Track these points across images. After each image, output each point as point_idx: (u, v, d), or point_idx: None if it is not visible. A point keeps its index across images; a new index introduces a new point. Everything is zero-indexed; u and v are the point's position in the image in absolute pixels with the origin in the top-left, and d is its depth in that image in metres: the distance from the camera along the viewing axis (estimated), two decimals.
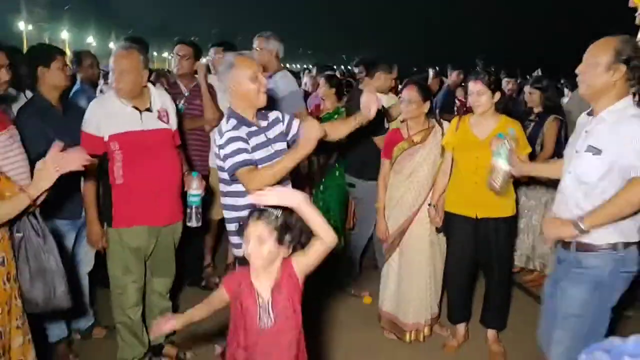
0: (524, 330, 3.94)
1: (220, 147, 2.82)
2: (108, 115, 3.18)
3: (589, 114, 2.72)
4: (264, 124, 2.98)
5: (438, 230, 3.88)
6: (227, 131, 2.83)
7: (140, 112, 3.24)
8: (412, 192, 3.85)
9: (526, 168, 3.18)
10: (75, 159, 2.43)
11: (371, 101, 3.03)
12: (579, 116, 2.88)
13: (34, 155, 3.41)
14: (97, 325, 3.96)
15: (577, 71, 2.65)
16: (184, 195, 3.36)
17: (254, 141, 2.86)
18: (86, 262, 3.79)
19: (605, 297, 2.60)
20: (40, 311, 2.66)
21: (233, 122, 2.87)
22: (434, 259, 3.93)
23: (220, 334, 3.90)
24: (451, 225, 3.78)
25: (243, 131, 2.84)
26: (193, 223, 3.27)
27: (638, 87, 2.67)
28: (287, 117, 3.14)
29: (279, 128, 3.07)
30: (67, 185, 3.39)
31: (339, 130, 3.19)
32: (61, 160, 2.39)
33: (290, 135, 3.11)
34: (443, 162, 3.81)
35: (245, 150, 2.78)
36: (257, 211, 2.19)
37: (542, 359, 3.07)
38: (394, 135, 3.98)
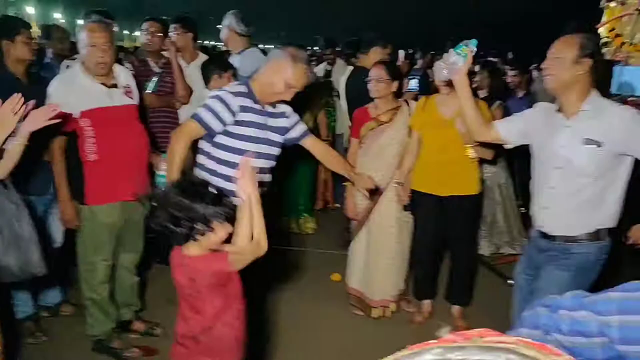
0: (489, 306, 4.06)
1: (208, 96, 2.92)
2: (78, 92, 3.14)
3: (558, 110, 2.76)
4: (270, 109, 2.99)
5: (405, 208, 3.95)
6: (225, 91, 2.91)
7: (108, 88, 3.23)
8: (379, 170, 3.90)
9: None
10: (40, 116, 2.50)
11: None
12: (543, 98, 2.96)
13: None
14: (64, 302, 3.96)
15: (542, 66, 2.75)
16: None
17: (249, 117, 2.88)
18: (55, 238, 3.76)
19: (585, 280, 2.72)
20: (16, 279, 2.67)
21: (242, 88, 2.91)
22: (401, 237, 4.00)
23: None
24: (417, 203, 3.85)
25: (241, 102, 2.86)
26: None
27: (596, 81, 2.74)
28: (294, 117, 3.16)
29: (283, 122, 3.09)
30: (33, 161, 3.40)
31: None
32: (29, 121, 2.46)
33: (290, 135, 3.14)
34: (411, 142, 3.86)
35: (216, 115, 2.81)
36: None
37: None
38: (361, 115, 4.01)
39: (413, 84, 5.18)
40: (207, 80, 3.97)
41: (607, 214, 2.69)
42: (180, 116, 4.54)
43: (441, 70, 2.89)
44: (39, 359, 3.42)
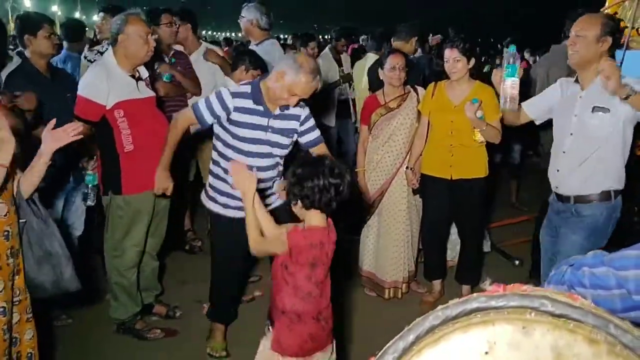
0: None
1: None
2: (112, 83, 3.22)
3: (576, 82, 3.02)
4: (277, 111, 3.01)
5: (415, 192, 4.06)
6: (229, 90, 2.99)
7: (136, 80, 3.33)
8: (390, 156, 4.02)
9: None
10: (64, 134, 2.48)
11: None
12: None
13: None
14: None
15: (567, 43, 2.99)
16: None
17: (244, 118, 2.95)
18: (76, 226, 3.87)
19: (599, 241, 2.94)
20: (49, 295, 2.67)
21: (245, 89, 2.98)
22: (411, 220, 4.13)
23: (207, 293, 4.06)
24: (427, 186, 3.96)
25: (238, 102, 2.93)
26: (88, 202, 3.54)
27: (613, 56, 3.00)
28: (309, 123, 3.17)
29: (292, 124, 3.09)
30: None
31: None
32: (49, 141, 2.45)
33: (302, 140, 3.17)
34: (419, 127, 3.97)
35: (210, 109, 2.94)
36: None
37: None
38: (371, 102, 4.11)
39: None
40: (234, 67, 4.04)
41: (615, 176, 2.93)
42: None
43: (505, 104, 2.99)
44: (67, 342, 3.54)
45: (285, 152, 3.15)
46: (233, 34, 31.90)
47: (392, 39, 5.07)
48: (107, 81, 3.20)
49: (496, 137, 3.62)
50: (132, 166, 3.31)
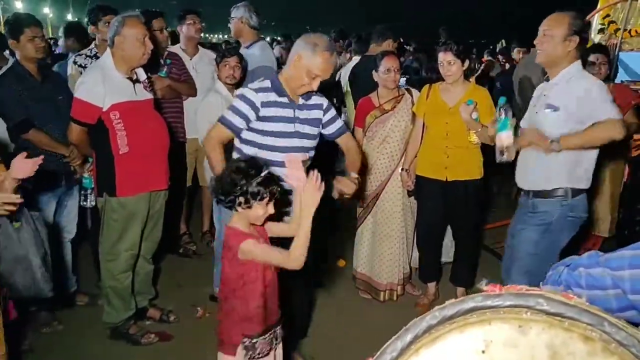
0: None
1: (235, 96, 2.96)
2: (109, 85, 3.20)
3: (547, 80, 3.09)
4: (300, 101, 2.95)
5: (410, 193, 4.06)
6: (250, 88, 2.90)
7: (133, 82, 3.32)
8: (384, 158, 4.02)
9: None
10: (28, 167, 2.46)
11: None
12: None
13: (10, 123, 3.48)
14: (79, 292, 4.04)
15: (535, 42, 3.04)
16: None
17: (274, 111, 2.86)
18: (69, 230, 3.85)
19: (554, 238, 3.01)
20: (25, 297, 2.71)
21: (266, 84, 2.91)
22: (406, 222, 4.12)
23: (201, 297, 4.05)
24: (422, 188, 3.96)
25: (266, 97, 2.86)
26: (88, 204, 3.55)
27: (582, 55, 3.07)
28: (331, 112, 3.09)
29: (316, 114, 3.02)
30: (45, 154, 3.47)
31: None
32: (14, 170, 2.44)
33: (327, 131, 3.10)
34: (414, 129, 3.97)
35: (239, 113, 2.85)
36: None
37: None
38: (365, 104, 4.11)
39: (402, 81, 5.31)
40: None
41: (572, 175, 2.95)
42: (185, 108, 4.66)
43: (502, 157, 3.02)
44: (57, 348, 3.51)
45: (314, 143, 3.06)
46: (223, 36, 31.88)
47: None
48: (103, 83, 3.19)
49: (491, 139, 3.62)
50: (127, 168, 3.29)
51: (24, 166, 2.44)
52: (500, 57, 9.22)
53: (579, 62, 2.98)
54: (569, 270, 1.26)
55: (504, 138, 2.97)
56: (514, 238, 3.18)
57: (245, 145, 2.94)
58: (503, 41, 12.22)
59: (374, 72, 4.00)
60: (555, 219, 2.99)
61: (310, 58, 2.78)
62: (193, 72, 4.72)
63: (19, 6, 39.63)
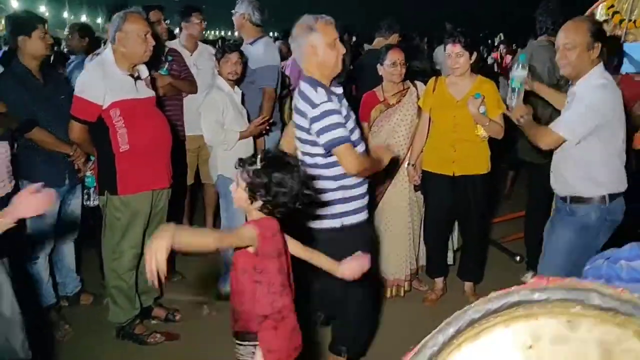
0: (500, 281, 4.12)
1: (314, 119, 2.66)
2: (109, 82, 3.16)
3: (572, 84, 3.00)
4: (339, 91, 2.85)
5: (416, 188, 4.02)
6: (323, 103, 2.66)
7: (135, 79, 3.27)
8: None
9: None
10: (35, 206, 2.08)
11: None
12: None
13: (14, 123, 3.42)
14: (83, 292, 4.00)
15: (558, 57, 2.89)
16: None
17: (344, 110, 2.77)
18: (72, 229, 3.81)
19: (590, 240, 2.90)
20: None
21: (323, 92, 2.70)
22: (413, 217, 4.08)
23: (207, 295, 4.01)
24: (429, 183, 3.91)
25: (333, 99, 2.72)
26: (92, 203, 3.50)
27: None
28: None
29: (345, 102, 2.91)
30: (48, 153, 3.44)
31: None
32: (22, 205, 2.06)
33: None
34: (420, 123, 3.92)
35: (342, 125, 2.67)
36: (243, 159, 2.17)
37: None
38: (369, 98, 4.06)
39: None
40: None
41: (601, 180, 2.87)
42: (185, 105, 4.61)
43: (512, 103, 3.11)
44: (62, 348, 3.47)
45: None
46: (225, 33, 31.76)
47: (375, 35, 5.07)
48: (104, 80, 3.14)
49: (499, 133, 3.59)
50: (128, 166, 3.25)
51: (33, 202, 2.04)
52: (501, 47, 9.25)
53: (600, 66, 2.86)
54: (609, 263, 1.22)
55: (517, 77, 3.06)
56: (549, 238, 3.11)
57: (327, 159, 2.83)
58: (501, 35, 12.29)
59: (378, 65, 3.95)
60: (593, 221, 2.90)
61: (317, 36, 2.69)
62: (193, 69, 4.67)
63: (15, 5, 39.47)
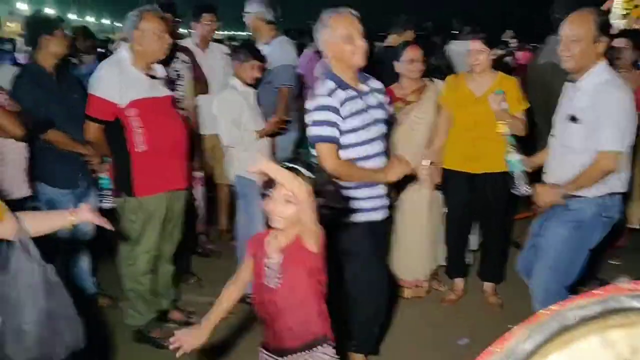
0: (520, 282, 4.07)
1: (308, 110, 2.74)
2: (126, 81, 3.11)
3: (569, 80, 2.88)
4: (365, 88, 2.83)
5: (436, 187, 3.95)
6: (320, 96, 2.72)
7: (151, 79, 3.22)
8: (409, 150, 3.89)
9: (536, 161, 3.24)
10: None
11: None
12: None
13: (30, 124, 3.38)
14: (100, 295, 3.95)
15: (561, 49, 2.76)
16: None
17: (349, 108, 2.74)
18: (87, 232, 3.75)
19: (585, 237, 2.85)
20: None
21: (329, 85, 2.73)
22: (432, 216, 4.01)
23: None
24: (449, 181, 3.86)
25: (338, 98, 2.71)
26: (107, 205, 3.38)
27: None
28: (387, 96, 2.99)
29: (381, 97, 2.92)
30: (64, 154, 3.39)
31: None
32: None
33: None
34: (439, 120, 3.86)
35: (332, 124, 2.69)
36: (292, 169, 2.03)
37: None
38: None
39: None
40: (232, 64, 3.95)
41: (606, 182, 2.75)
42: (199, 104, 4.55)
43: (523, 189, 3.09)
44: (78, 351, 3.42)
45: (386, 128, 2.96)
46: (235, 31, 31.71)
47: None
48: (120, 79, 3.09)
49: (521, 129, 3.53)
50: (145, 167, 3.19)
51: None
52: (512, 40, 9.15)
53: (605, 62, 2.75)
54: None
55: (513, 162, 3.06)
56: (540, 234, 3.04)
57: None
58: (510, 32, 12.11)
59: (395, 62, 3.89)
60: (589, 217, 2.81)
61: (330, 31, 2.70)
62: (205, 68, 4.61)
63: (23, 7, 39.50)
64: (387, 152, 2.97)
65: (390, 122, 3.04)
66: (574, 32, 2.69)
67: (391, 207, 3.11)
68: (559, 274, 2.88)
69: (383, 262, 3.16)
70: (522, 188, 3.09)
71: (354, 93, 2.78)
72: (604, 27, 2.68)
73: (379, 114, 2.87)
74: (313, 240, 2.04)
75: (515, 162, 3.12)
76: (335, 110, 2.70)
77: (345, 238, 2.77)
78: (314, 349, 2.14)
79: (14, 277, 1.91)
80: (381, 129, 2.89)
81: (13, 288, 1.91)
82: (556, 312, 0.75)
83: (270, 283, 2.11)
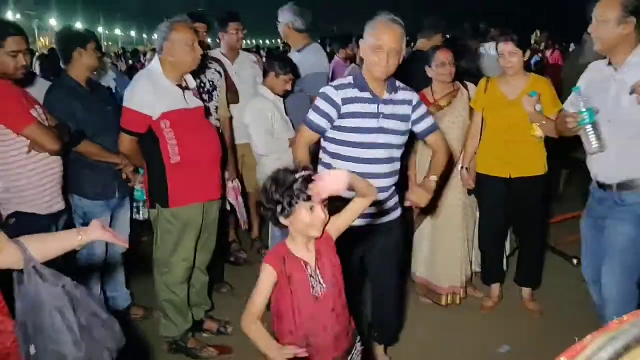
0: (557, 286, 4.00)
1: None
2: (159, 93, 3.11)
3: (609, 64, 2.83)
4: (386, 96, 2.82)
5: (470, 192, 3.89)
6: (331, 86, 2.85)
7: (183, 90, 3.22)
8: None
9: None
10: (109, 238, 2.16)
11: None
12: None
13: (66, 137, 3.42)
14: (134, 306, 3.97)
15: (589, 30, 2.81)
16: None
17: (357, 107, 2.76)
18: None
19: None
20: None
21: (345, 80, 2.85)
22: (467, 222, 3.95)
23: None
24: (484, 186, 3.79)
25: (344, 94, 2.77)
26: (141, 216, 3.48)
27: None
28: (422, 109, 2.94)
29: (404, 109, 2.87)
30: (96, 165, 3.42)
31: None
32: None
33: (416, 129, 2.95)
34: (472, 124, 3.80)
35: (321, 113, 2.78)
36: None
37: (577, 315, 3.25)
38: None
39: None
40: (265, 74, 3.96)
41: None
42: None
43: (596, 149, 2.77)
44: None
45: (402, 140, 2.91)
46: (264, 41, 31.97)
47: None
48: (153, 91, 3.09)
49: (560, 132, 3.44)
50: (179, 178, 3.19)
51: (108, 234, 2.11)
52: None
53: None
54: None
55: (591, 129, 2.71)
56: (600, 237, 2.92)
57: (328, 143, 2.88)
58: (538, 32, 11.85)
59: (427, 67, 3.84)
60: None
61: (367, 35, 2.74)
62: (235, 78, 4.62)
63: (54, 23, 40.45)
64: (392, 160, 2.89)
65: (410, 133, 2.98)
66: (600, 13, 2.73)
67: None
68: (631, 271, 2.83)
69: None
70: (593, 143, 2.73)
71: (369, 96, 2.79)
72: (632, 7, 2.67)
73: (392, 124, 2.82)
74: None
75: (589, 112, 2.71)
76: (334, 104, 2.76)
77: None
78: (356, 346, 2.19)
79: (38, 305, 1.84)
80: (389, 139, 2.83)
81: (38, 316, 1.84)
82: (637, 319, 0.71)
83: (318, 292, 2.05)
